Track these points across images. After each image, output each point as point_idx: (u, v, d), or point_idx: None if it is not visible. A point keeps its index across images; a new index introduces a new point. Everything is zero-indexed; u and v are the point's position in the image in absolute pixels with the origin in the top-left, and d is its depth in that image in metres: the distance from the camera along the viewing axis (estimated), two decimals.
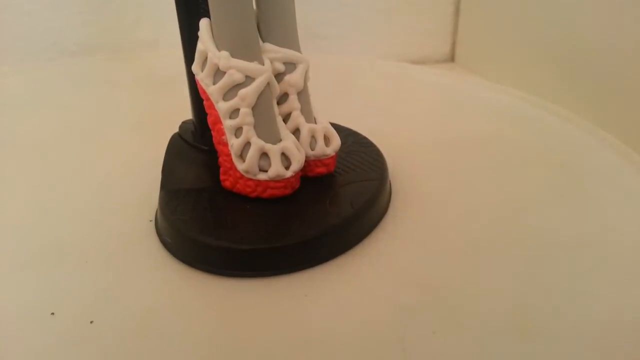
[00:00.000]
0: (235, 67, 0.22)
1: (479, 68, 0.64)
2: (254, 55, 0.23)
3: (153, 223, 0.25)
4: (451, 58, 0.71)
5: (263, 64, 0.23)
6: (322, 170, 0.26)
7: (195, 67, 0.24)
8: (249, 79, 0.23)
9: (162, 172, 0.26)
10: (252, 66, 0.22)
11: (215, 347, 0.18)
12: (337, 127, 0.32)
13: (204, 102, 0.24)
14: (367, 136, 0.31)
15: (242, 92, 0.22)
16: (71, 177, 0.30)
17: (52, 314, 0.19)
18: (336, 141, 0.26)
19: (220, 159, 0.24)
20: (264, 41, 0.24)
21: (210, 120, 0.24)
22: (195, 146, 0.27)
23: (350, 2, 0.64)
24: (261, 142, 0.23)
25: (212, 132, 0.24)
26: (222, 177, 0.25)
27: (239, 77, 0.22)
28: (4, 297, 0.21)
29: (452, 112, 0.39)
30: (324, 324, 0.19)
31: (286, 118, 0.25)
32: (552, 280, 0.21)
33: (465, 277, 0.22)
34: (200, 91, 0.24)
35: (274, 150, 0.23)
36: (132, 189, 0.28)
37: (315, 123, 0.26)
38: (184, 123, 0.29)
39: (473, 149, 0.33)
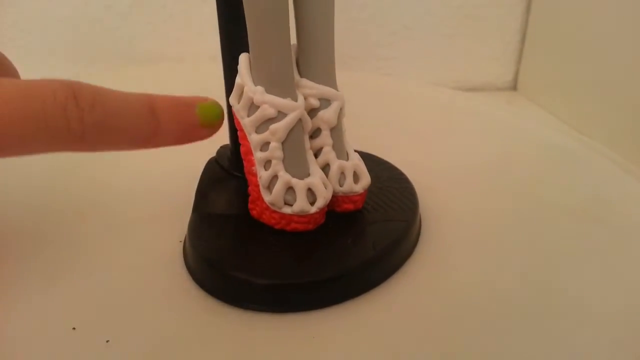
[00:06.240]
0: (268, 102, 0.23)
1: (541, 99, 0.62)
2: (287, 91, 0.23)
3: (182, 244, 0.26)
4: (514, 86, 0.69)
5: (296, 101, 0.23)
6: (349, 206, 0.26)
7: (232, 99, 0.24)
8: (281, 114, 0.23)
9: (196, 194, 0.27)
10: (284, 102, 0.23)
11: None
12: (374, 160, 0.32)
13: (238, 133, 0.25)
14: (404, 170, 0.31)
15: (273, 126, 0.23)
16: (112, 184, 0.32)
17: (74, 328, 0.21)
18: (365, 179, 0.26)
19: (250, 188, 0.25)
20: (301, 76, 0.25)
21: (242, 150, 0.25)
22: (229, 172, 0.28)
23: (413, 25, 0.64)
24: (288, 176, 0.23)
25: (243, 161, 0.25)
26: (250, 205, 0.25)
27: (271, 112, 0.23)
28: (30, 302, 0.22)
29: (498, 148, 0.38)
30: None
31: (317, 153, 0.25)
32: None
33: (482, 339, 0.21)
34: (235, 122, 0.25)
35: (300, 185, 0.23)
36: (169, 205, 0.29)
37: (348, 159, 0.26)
38: (222, 148, 0.30)
39: (516, 192, 0.32)
